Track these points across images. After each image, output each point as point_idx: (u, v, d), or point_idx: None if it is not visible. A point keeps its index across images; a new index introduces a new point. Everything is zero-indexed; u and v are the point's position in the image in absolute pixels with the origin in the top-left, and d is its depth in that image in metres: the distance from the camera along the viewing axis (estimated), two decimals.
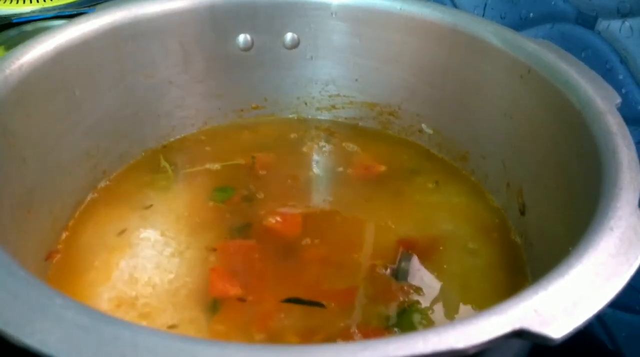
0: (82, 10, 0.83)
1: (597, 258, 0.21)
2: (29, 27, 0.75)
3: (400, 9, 0.44)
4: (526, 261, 0.39)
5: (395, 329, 0.34)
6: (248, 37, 0.47)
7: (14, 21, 0.76)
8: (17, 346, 0.17)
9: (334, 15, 0.47)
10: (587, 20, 0.45)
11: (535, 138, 0.38)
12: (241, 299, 0.35)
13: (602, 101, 0.31)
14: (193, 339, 0.17)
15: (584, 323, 0.19)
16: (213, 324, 0.33)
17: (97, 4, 0.87)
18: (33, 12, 0.82)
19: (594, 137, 0.30)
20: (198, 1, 0.43)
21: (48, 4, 0.84)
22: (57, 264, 0.37)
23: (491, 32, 0.41)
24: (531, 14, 0.49)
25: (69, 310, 0.18)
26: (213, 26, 0.45)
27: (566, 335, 0.19)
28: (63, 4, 0.85)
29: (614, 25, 0.43)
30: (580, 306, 0.19)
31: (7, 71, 0.32)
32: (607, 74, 0.44)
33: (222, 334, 0.33)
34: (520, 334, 0.19)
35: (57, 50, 0.35)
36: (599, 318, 0.49)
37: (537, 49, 0.38)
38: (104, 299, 0.35)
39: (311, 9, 0.46)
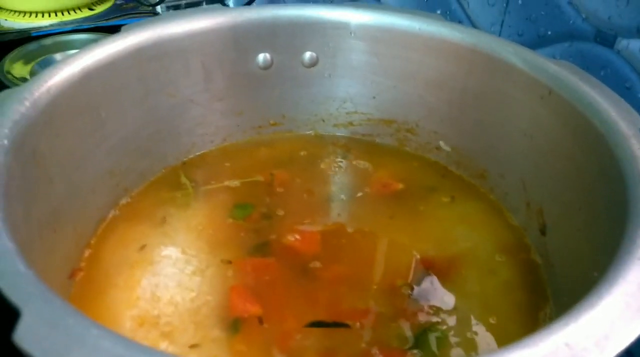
0: (99, 24, 0.84)
1: (627, 289, 0.21)
2: (48, 41, 0.76)
3: (419, 28, 0.45)
4: (547, 281, 0.39)
5: (416, 351, 0.33)
6: (268, 56, 0.47)
7: (33, 35, 0.77)
8: None
9: (352, 35, 0.47)
10: (606, 39, 0.45)
11: (556, 159, 0.38)
12: (261, 319, 0.35)
13: (626, 125, 0.31)
14: None
15: None
16: (234, 343, 0.34)
17: (114, 17, 0.89)
18: (52, 25, 0.83)
19: (618, 161, 0.30)
20: (221, 21, 0.44)
21: (66, 18, 0.86)
22: (80, 282, 0.37)
23: (511, 53, 0.41)
24: (549, 32, 0.50)
25: (106, 340, 0.18)
26: (234, 46, 0.45)
27: None
28: (81, 18, 0.87)
29: (634, 45, 0.43)
30: (611, 339, 0.19)
31: (36, 94, 0.32)
32: (626, 93, 0.43)
33: (244, 353, 0.33)
34: None
35: (83, 71, 0.36)
36: None
37: (558, 71, 0.38)
38: (126, 318, 0.35)
39: (330, 28, 0.47)
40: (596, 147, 0.33)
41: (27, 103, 0.31)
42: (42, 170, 0.32)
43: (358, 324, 0.35)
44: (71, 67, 0.35)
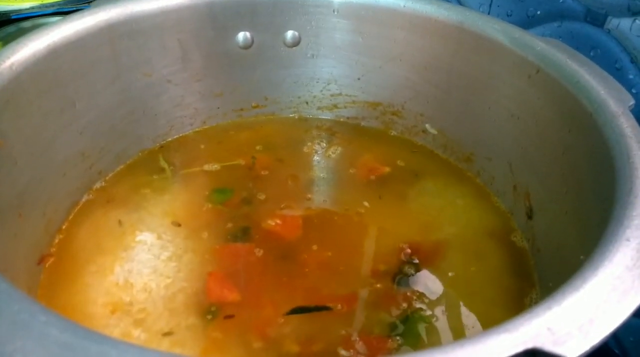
0: (81, 6, 0.81)
1: (613, 271, 0.20)
2: (27, 24, 0.74)
3: (404, 6, 0.43)
4: (533, 266, 0.38)
5: (398, 338, 0.33)
6: (248, 34, 0.46)
7: (13, 17, 0.75)
8: None
9: (336, 13, 0.45)
10: (597, 18, 0.44)
11: (544, 140, 0.37)
12: (239, 306, 0.34)
13: (615, 103, 0.30)
14: None
15: (600, 342, 0.18)
16: (210, 331, 0.32)
17: None
18: (32, 8, 0.80)
19: (607, 141, 0.29)
20: None
21: (47, 0, 0.83)
22: (50, 269, 0.36)
23: (499, 31, 0.39)
24: (538, 12, 0.48)
25: (53, 327, 0.17)
26: (212, 23, 0.44)
27: (582, 355, 0.18)
28: (62, 1, 0.84)
29: (625, 24, 0.42)
30: (596, 324, 0.18)
31: None
32: (617, 74, 0.42)
33: (219, 341, 0.32)
34: (533, 354, 0.17)
35: (50, 48, 0.34)
36: None
37: (546, 49, 0.36)
38: (98, 305, 0.34)
39: (312, 6, 0.45)
40: (584, 127, 0.32)
41: None
42: (4, 151, 0.31)
43: (339, 306, 0.34)
44: (36, 43, 0.34)
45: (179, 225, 0.39)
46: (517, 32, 0.39)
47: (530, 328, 0.18)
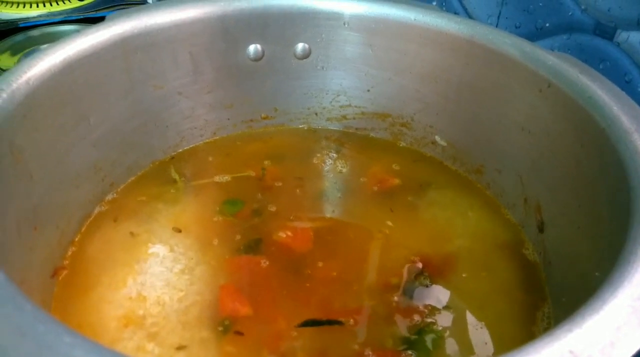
0: (88, 15, 0.82)
1: (633, 292, 0.20)
2: (35, 32, 0.74)
3: (415, 19, 0.43)
4: (545, 280, 0.38)
5: (411, 352, 0.33)
6: (259, 47, 0.46)
7: (21, 25, 0.75)
8: None
9: (346, 25, 0.46)
10: (606, 31, 0.44)
11: (555, 154, 0.37)
12: (251, 319, 0.34)
13: (628, 120, 0.30)
14: None
15: None
16: (223, 345, 0.33)
17: (103, 8, 0.87)
18: (40, 16, 0.81)
19: (621, 157, 0.29)
20: (209, 11, 0.42)
21: (55, 9, 0.84)
22: (64, 281, 0.36)
23: (509, 45, 0.40)
24: (547, 24, 0.48)
25: (79, 349, 0.17)
26: (224, 36, 0.44)
27: None
28: (69, 9, 0.85)
29: (634, 37, 0.42)
30: (618, 346, 0.18)
31: (14, 85, 0.31)
32: (626, 87, 0.42)
33: (233, 355, 0.32)
34: None
35: (65, 62, 0.35)
36: None
37: (557, 63, 0.37)
38: (111, 318, 0.34)
39: (323, 19, 0.45)
40: (597, 143, 0.32)
41: (4, 95, 0.30)
42: (20, 165, 0.31)
43: (352, 320, 0.34)
44: (52, 57, 0.34)
45: (189, 236, 0.39)
46: (528, 46, 0.39)
47: (552, 351, 0.18)
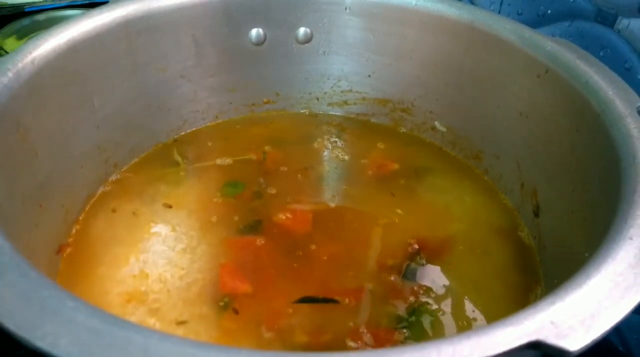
0: None
1: (616, 268, 0.21)
2: (41, 16, 0.74)
3: (416, 4, 0.44)
4: (539, 263, 0.38)
5: (405, 331, 0.33)
6: (261, 31, 0.46)
7: (27, 10, 0.76)
8: (28, 348, 0.17)
9: (347, 10, 0.46)
10: (607, 18, 0.44)
11: (551, 139, 0.38)
12: (250, 297, 0.35)
13: (622, 104, 0.31)
14: (204, 345, 0.17)
15: (601, 335, 0.19)
16: (223, 321, 0.33)
17: None
18: (45, 1, 0.81)
19: (614, 141, 0.29)
20: None
21: None
22: (68, 258, 0.37)
23: (509, 30, 0.40)
24: (549, 11, 0.49)
25: (81, 313, 0.18)
26: (226, 20, 0.44)
27: (583, 348, 0.18)
28: None
29: (635, 24, 0.42)
30: (598, 318, 0.19)
31: (20, 65, 0.32)
32: (626, 74, 0.43)
33: (232, 331, 0.33)
34: (536, 346, 0.18)
35: (70, 43, 0.35)
36: None
37: (555, 48, 0.37)
38: (114, 294, 0.35)
39: (325, 3, 0.46)
40: (592, 127, 0.32)
41: (10, 74, 0.30)
42: (26, 143, 0.32)
43: (347, 300, 0.34)
44: (57, 38, 0.35)
45: (190, 216, 0.40)
46: (527, 32, 0.39)
47: (534, 322, 0.19)
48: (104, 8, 0.38)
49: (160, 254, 0.37)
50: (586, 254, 0.27)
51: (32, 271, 0.19)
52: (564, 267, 0.34)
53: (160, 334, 0.17)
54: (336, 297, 0.35)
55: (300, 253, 0.38)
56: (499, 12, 0.52)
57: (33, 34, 0.70)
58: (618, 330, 0.48)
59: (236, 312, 0.34)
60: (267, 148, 0.47)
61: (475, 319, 0.34)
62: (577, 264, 0.31)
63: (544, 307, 0.19)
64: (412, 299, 0.35)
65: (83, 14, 0.38)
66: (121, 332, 0.17)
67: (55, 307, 0.18)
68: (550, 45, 0.37)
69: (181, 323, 0.33)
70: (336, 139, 0.50)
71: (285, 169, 0.46)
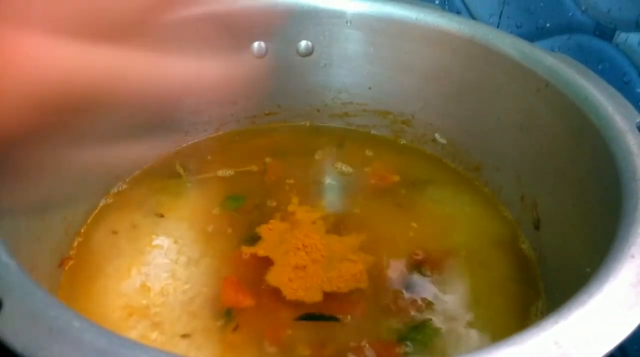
0: None
1: (618, 287, 0.21)
2: None
3: (416, 19, 0.44)
4: (539, 275, 0.38)
5: (407, 344, 0.33)
6: (262, 44, 0.47)
7: None
8: None
9: (348, 24, 0.46)
10: (605, 32, 0.44)
11: (551, 153, 0.38)
12: (252, 310, 0.35)
13: (622, 119, 0.31)
14: None
15: (605, 355, 0.19)
16: (226, 334, 0.33)
17: None
18: None
19: (614, 157, 0.30)
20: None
21: None
22: (70, 271, 0.37)
23: (509, 45, 0.40)
24: (548, 24, 0.49)
25: (88, 333, 0.18)
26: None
27: None
28: None
29: (633, 38, 0.42)
30: (602, 338, 0.19)
31: None
32: (624, 88, 0.43)
33: (235, 345, 0.33)
34: None
35: None
36: None
37: (555, 63, 0.37)
38: (115, 307, 0.35)
39: (326, 17, 0.46)
40: (591, 142, 0.33)
41: None
42: (29, 157, 0.32)
43: (349, 317, 0.35)
44: None
45: (192, 229, 0.40)
46: (527, 47, 0.40)
47: (537, 341, 0.19)
48: None
49: (162, 266, 0.37)
50: (587, 269, 0.28)
51: (38, 290, 0.19)
52: (565, 280, 0.35)
53: (167, 354, 0.17)
54: (338, 313, 0.35)
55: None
56: (498, 25, 0.53)
57: None
58: None
59: (238, 326, 0.34)
60: (268, 160, 0.48)
61: (476, 332, 0.35)
62: (578, 277, 0.31)
63: (547, 327, 0.20)
64: (413, 312, 0.35)
65: None
66: (128, 352, 0.17)
67: (62, 328, 0.18)
68: (549, 60, 0.38)
69: (185, 336, 0.33)
70: (337, 151, 0.50)
71: (286, 181, 0.46)
